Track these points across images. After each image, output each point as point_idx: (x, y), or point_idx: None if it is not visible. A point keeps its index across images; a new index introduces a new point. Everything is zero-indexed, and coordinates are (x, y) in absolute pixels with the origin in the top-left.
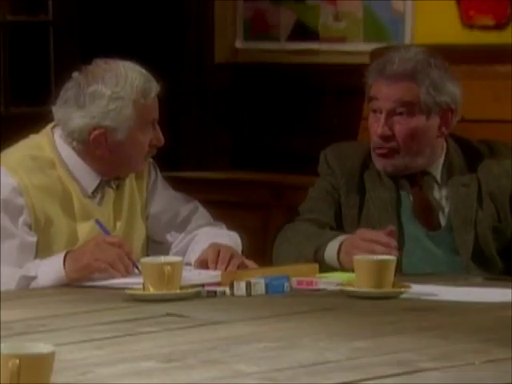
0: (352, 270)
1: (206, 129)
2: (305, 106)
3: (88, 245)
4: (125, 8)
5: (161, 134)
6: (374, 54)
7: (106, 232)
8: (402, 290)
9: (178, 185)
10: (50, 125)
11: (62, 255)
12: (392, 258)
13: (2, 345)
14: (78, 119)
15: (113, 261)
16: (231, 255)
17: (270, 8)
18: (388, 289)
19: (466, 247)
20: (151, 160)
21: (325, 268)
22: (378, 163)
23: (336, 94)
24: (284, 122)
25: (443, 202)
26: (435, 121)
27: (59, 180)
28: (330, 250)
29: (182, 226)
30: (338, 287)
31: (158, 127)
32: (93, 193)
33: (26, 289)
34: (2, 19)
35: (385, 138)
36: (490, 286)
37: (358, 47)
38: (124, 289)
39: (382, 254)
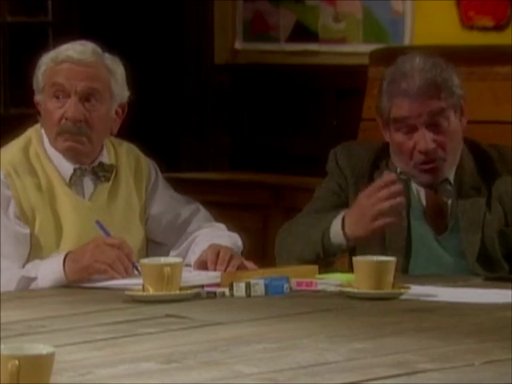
0: (361, 238)
1: (206, 130)
2: (304, 106)
3: (88, 246)
4: (125, 9)
5: (72, 106)
6: (374, 55)
7: (107, 233)
8: (402, 290)
9: (178, 186)
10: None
11: (61, 256)
12: (391, 259)
13: (2, 346)
14: None
15: (113, 262)
16: (230, 256)
17: (269, 9)
18: (387, 290)
19: (472, 249)
20: (152, 161)
21: (332, 251)
22: (424, 178)
23: (336, 95)
24: (284, 123)
25: (455, 206)
26: (458, 115)
27: (45, 173)
28: (335, 228)
29: (182, 227)
30: (338, 288)
31: (73, 100)
32: (71, 181)
33: (26, 289)
34: (1, 20)
35: (429, 152)
36: (489, 286)
37: (358, 48)
38: (124, 290)
39: (391, 202)
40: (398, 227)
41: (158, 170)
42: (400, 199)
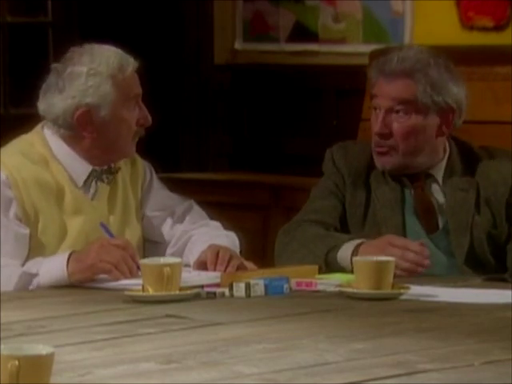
0: None
1: (206, 130)
2: (304, 107)
3: (93, 246)
4: (125, 9)
5: (147, 113)
6: (374, 55)
7: (111, 235)
8: (402, 291)
9: (178, 186)
10: (41, 123)
11: (65, 255)
12: (391, 259)
13: (2, 346)
14: (60, 103)
15: (118, 262)
16: (230, 256)
17: (269, 9)
18: (387, 290)
19: (460, 250)
20: (147, 162)
21: (334, 269)
22: (378, 161)
23: (335, 95)
24: (283, 123)
25: (443, 205)
26: (434, 120)
27: (51, 174)
28: (344, 252)
29: (177, 224)
30: (338, 288)
31: (143, 106)
32: (85, 183)
33: (27, 286)
34: (1, 20)
35: (382, 136)
36: (489, 287)
37: (358, 48)
38: (123, 290)
39: (413, 261)
40: (394, 224)
41: (153, 170)
42: (419, 270)
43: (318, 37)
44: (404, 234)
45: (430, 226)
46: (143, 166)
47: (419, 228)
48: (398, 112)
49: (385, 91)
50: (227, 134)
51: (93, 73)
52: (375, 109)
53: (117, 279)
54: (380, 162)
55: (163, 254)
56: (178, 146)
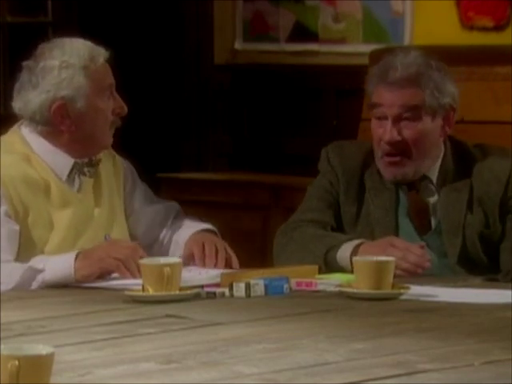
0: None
1: (206, 130)
2: (304, 107)
3: (102, 244)
4: (125, 9)
5: (123, 102)
6: (374, 55)
7: None
8: (402, 291)
9: (178, 186)
10: (17, 123)
11: (73, 253)
12: (391, 259)
13: (2, 346)
14: (35, 98)
15: (126, 259)
16: (216, 249)
17: (269, 9)
18: (387, 290)
19: (453, 251)
20: (128, 162)
21: (333, 269)
22: (388, 172)
23: (335, 95)
24: (283, 123)
25: (437, 206)
26: (439, 121)
27: (35, 171)
28: (344, 252)
29: (161, 224)
30: (338, 288)
31: (117, 95)
32: (69, 176)
33: (31, 281)
34: (1, 20)
35: (394, 144)
36: (489, 287)
37: (358, 48)
38: (123, 290)
39: (415, 263)
40: (387, 225)
41: (135, 171)
42: (419, 271)
43: (317, 37)
44: (396, 235)
45: (423, 227)
46: (122, 163)
47: (412, 229)
48: (406, 119)
49: (391, 99)
50: (227, 134)
51: (65, 65)
52: (378, 118)
53: (123, 276)
54: (389, 173)
55: (149, 251)
56: (178, 145)
